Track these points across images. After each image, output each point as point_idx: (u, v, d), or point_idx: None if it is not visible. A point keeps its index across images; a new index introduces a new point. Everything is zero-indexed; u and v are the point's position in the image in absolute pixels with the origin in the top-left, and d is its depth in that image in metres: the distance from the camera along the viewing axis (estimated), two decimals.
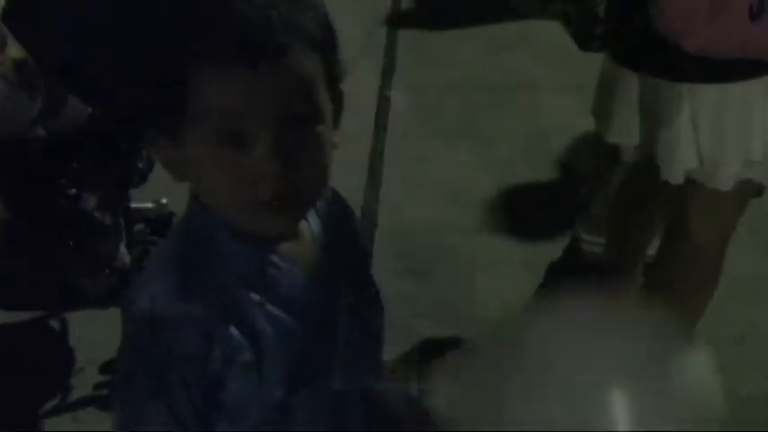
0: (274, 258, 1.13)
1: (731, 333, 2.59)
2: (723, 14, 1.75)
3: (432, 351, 2.52)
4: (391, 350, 2.64)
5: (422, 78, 3.96)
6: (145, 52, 1.10)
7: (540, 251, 2.95)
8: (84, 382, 2.38)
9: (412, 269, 2.94)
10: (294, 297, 1.14)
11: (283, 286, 1.14)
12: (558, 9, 2.27)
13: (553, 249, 2.90)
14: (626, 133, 2.11)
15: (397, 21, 4.40)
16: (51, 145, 2.28)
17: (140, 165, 2.32)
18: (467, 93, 3.82)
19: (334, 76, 1.10)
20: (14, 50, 2.23)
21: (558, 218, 3.08)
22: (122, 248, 2.43)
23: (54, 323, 2.58)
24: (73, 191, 2.36)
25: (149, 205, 2.56)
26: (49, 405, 2.37)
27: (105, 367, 2.32)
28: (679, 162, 2.00)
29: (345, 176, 3.35)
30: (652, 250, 2.55)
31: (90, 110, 2.25)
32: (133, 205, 2.46)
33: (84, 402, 2.33)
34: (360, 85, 3.85)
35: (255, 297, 1.11)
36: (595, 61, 2.21)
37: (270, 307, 1.12)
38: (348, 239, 1.28)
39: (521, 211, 3.19)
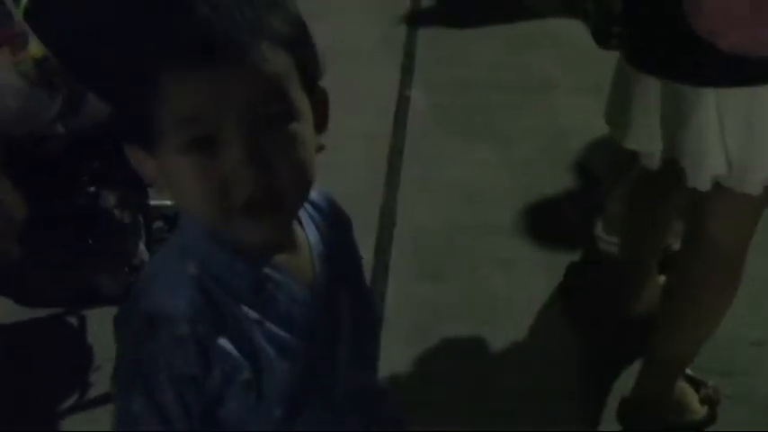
0: (269, 272, 1.10)
1: (749, 336, 2.58)
2: (761, 12, 1.72)
3: None
4: (410, 352, 2.66)
5: (441, 77, 3.96)
6: (113, 56, 1.08)
7: (559, 251, 2.94)
8: (102, 379, 2.38)
9: (430, 268, 2.94)
10: (292, 313, 1.12)
11: (280, 302, 1.11)
12: (577, 6, 2.26)
13: (571, 249, 2.90)
14: (646, 139, 2.07)
15: (416, 20, 4.41)
16: (71, 143, 2.27)
17: None
18: (485, 92, 3.81)
19: (310, 75, 1.07)
20: (35, 48, 2.23)
21: (577, 218, 3.07)
22: (141, 246, 2.43)
23: (72, 320, 2.58)
24: (92, 189, 2.36)
25: (168, 203, 2.55)
26: (66, 403, 2.38)
27: None
28: (707, 168, 1.96)
29: (364, 175, 3.38)
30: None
31: (109, 108, 2.25)
32: (152, 203, 2.45)
33: (101, 400, 2.33)
34: (379, 84, 3.88)
35: (253, 314, 1.08)
36: (614, 61, 2.19)
37: (268, 324, 1.09)
38: (346, 249, 1.26)
39: (539, 211, 3.17)
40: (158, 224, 2.52)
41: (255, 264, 1.09)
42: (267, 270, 1.10)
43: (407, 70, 4.02)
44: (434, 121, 3.69)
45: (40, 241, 2.29)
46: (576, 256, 2.86)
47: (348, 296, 1.20)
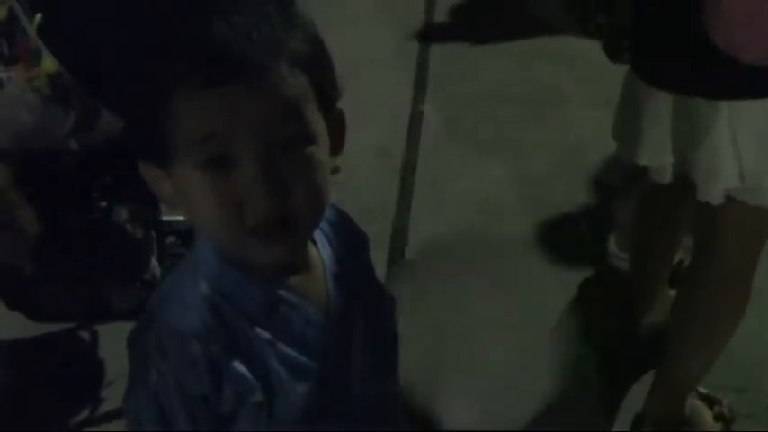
0: (283, 293, 1.10)
1: (764, 353, 2.57)
2: None
3: None
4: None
5: (454, 92, 3.96)
6: (128, 73, 1.09)
7: (572, 266, 2.93)
8: (114, 394, 2.38)
9: None
10: (306, 334, 1.11)
11: (294, 323, 1.11)
12: (589, 20, 2.27)
13: (585, 265, 2.89)
14: (656, 154, 2.06)
15: (429, 34, 4.41)
16: (84, 158, 2.29)
17: None
18: (498, 106, 3.82)
19: (326, 96, 1.06)
20: (49, 64, 2.26)
21: (591, 234, 3.07)
22: (153, 261, 2.45)
23: (84, 335, 2.59)
24: (105, 204, 2.37)
25: (180, 218, 2.57)
26: (78, 418, 2.38)
27: None
28: (719, 181, 1.96)
29: (377, 189, 3.37)
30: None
31: (122, 123, 2.26)
32: (164, 218, 2.46)
33: (113, 415, 2.34)
34: (392, 99, 3.88)
35: (266, 335, 1.08)
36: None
37: (281, 346, 1.09)
38: (361, 265, 1.25)
39: (552, 226, 3.16)
40: (171, 239, 2.53)
41: (269, 284, 1.09)
42: (281, 291, 1.10)
43: (420, 85, 4.03)
44: (447, 136, 3.69)
45: (52, 256, 2.31)
46: (589, 272, 2.86)
47: (363, 311, 1.19)
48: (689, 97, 1.93)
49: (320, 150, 1.04)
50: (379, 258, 2.97)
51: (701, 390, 2.41)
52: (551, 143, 3.57)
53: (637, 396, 2.43)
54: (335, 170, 1.09)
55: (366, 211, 3.09)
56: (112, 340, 2.52)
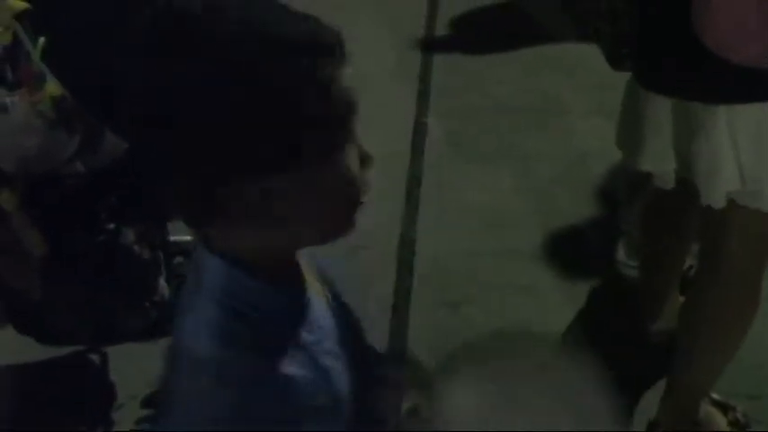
0: (293, 291, 1.13)
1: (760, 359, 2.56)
2: None
3: None
4: None
5: (457, 103, 3.99)
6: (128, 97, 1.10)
7: (580, 276, 2.95)
8: (125, 417, 2.39)
9: (450, 295, 2.95)
10: (324, 325, 1.14)
11: (311, 317, 1.13)
12: (590, 28, 2.28)
13: (593, 274, 2.91)
14: (659, 159, 2.10)
15: (431, 46, 4.44)
16: (89, 180, 2.30)
17: None
18: (502, 116, 3.84)
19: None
20: (52, 88, 2.28)
21: (599, 242, 3.09)
22: (162, 282, 2.45)
23: (94, 357, 2.59)
24: (112, 225, 2.38)
25: (187, 238, 2.57)
26: None
27: (147, 401, 2.33)
28: (721, 185, 1.98)
29: (382, 201, 3.37)
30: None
31: (127, 145, 2.28)
32: (171, 239, 2.48)
33: None
34: (395, 111, 3.87)
35: (309, 337, 1.09)
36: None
37: (325, 344, 1.11)
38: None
39: (559, 236, 3.18)
40: (179, 259, 2.54)
41: (294, 290, 1.12)
42: (303, 296, 1.13)
43: (423, 96, 4.05)
44: (451, 147, 3.72)
45: (60, 279, 2.32)
46: (597, 281, 2.87)
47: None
48: (688, 102, 1.96)
49: None
50: (387, 271, 3.02)
51: (715, 396, 2.42)
52: (555, 152, 3.60)
53: (650, 403, 2.44)
54: None
55: (372, 224, 3.11)
56: (123, 362, 2.53)
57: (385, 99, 3.88)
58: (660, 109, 2.02)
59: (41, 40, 2.31)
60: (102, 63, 2.02)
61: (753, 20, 1.74)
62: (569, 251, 3.11)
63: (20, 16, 2.30)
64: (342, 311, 1.21)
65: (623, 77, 2.18)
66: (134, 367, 2.43)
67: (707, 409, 2.39)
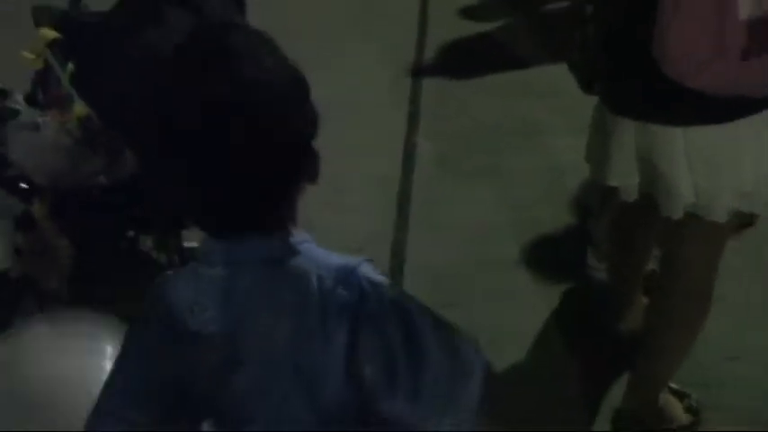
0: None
1: (725, 353, 2.65)
2: (721, 56, 1.78)
3: None
4: None
5: (444, 124, 3.99)
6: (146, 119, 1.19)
7: (556, 281, 2.99)
8: None
9: (438, 301, 2.91)
10: None
11: None
12: (565, 57, 2.36)
13: (567, 279, 2.96)
14: (624, 175, 2.13)
15: (420, 72, 4.43)
16: (112, 192, 2.33)
17: None
18: (485, 137, 3.85)
19: None
20: (79, 109, 2.30)
21: (572, 250, 3.11)
22: None
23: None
24: (132, 233, 2.42)
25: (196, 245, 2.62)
26: None
27: None
28: (678, 199, 2.03)
29: (376, 216, 3.42)
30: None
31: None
32: (186, 245, 2.50)
33: None
34: (388, 132, 3.91)
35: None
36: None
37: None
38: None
39: (538, 245, 3.22)
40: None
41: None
42: None
43: (413, 118, 4.04)
44: (439, 165, 3.72)
45: (86, 281, 2.35)
46: (570, 285, 2.92)
47: None
48: (649, 124, 2.02)
49: None
50: None
51: (673, 386, 2.48)
52: (533, 169, 3.60)
53: (617, 392, 2.50)
54: None
55: (367, 236, 3.18)
56: None
57: (378, 121, 3.94)
58: (625, 130, 2.07)
59: (70, 65, 2.31)
60: (122, 87, 2.11)
61: (706, 50, 1.79)
62: (545, 258, 3.14)
63: (51, 44, 2.31)
64: None
65: (593, 101, 2.23)
66: None
67: (666, 398, 2.44)
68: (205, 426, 1.28)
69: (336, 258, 1.21)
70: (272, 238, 1.20)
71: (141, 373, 1.27)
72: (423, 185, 3.60)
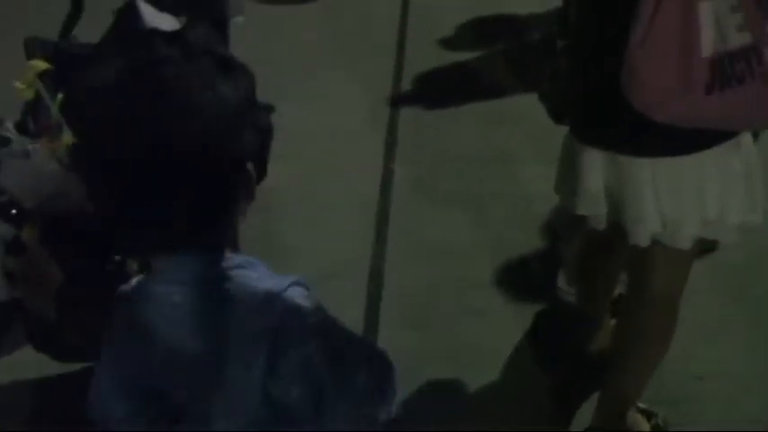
0: None
1: (692, 372, 2.66)
2: (686, 90, 1.79)
3: None
4: (399, 393, 2.72)
5: (421, 151, 4.00)
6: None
7: (527, 302, 2.98)
8: None
9: (414, 320, 2.98)
10: None
11: None
12: (536, 88, 2.35)
13: (538, 300, 2.94)
14: (592, 205, 2.12)
15: (397, 102, 4.44)
16: (98, 219, 2.32)
17: None
18: (459, 164, 3.86)
19: None
20: (68, 137, 2.30)
21: (542, 273, 3.12)
22: None
23: None
24: (118, 257, 2.38)
25: None
26: None
27: None
28: (645, 227, 2.03)
29: (355, 238, 3.41)
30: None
31: None
32: None
33: None
34: (367, 159, 3.92)
35: None
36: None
37: None
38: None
39: (509, 267, 3.22)
40: None
41: None
42: None
43: (391, 146, 4.05)
44: (415, 191, 3.73)
45: (73, 303, 2.33)
46: (541, 306, 2.89)
47: None
48: (617, 154, 2.01)
49: None
50: (358, 299, 3.04)
51: (640, 405, 2.47)
52: (507, 195, 3.61)
53: (586, 411, 2.49)
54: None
55: (347, 258, 3.17)
56: None
57: (357, 148, 3.96)
58: (593, 160, 2.05)
59: (59, 95, 2.33)
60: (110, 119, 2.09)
61: (673, 83, 1.80)
62: (517, 280, 3.14)
63: (42, 75, 2.33)
64: None
65: (563, 130, 2.21)
66: None
67: (633, 416, 2.43)
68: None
69: (266, 282, 1.21)
70: (202, 259, 1.20)
71: (116, 374, 1.29)
72: (399, 209, 3.61)
